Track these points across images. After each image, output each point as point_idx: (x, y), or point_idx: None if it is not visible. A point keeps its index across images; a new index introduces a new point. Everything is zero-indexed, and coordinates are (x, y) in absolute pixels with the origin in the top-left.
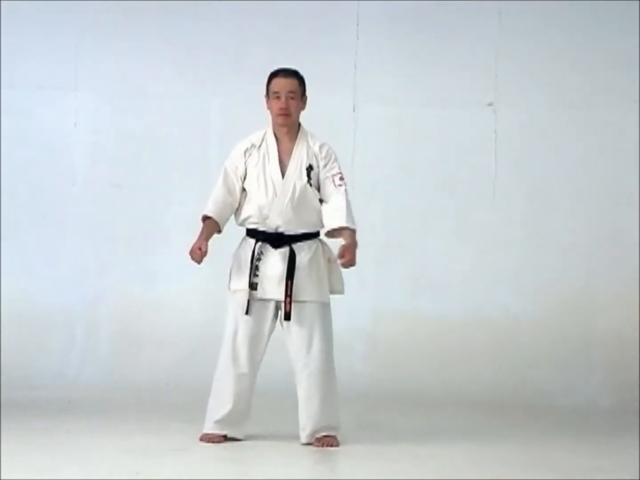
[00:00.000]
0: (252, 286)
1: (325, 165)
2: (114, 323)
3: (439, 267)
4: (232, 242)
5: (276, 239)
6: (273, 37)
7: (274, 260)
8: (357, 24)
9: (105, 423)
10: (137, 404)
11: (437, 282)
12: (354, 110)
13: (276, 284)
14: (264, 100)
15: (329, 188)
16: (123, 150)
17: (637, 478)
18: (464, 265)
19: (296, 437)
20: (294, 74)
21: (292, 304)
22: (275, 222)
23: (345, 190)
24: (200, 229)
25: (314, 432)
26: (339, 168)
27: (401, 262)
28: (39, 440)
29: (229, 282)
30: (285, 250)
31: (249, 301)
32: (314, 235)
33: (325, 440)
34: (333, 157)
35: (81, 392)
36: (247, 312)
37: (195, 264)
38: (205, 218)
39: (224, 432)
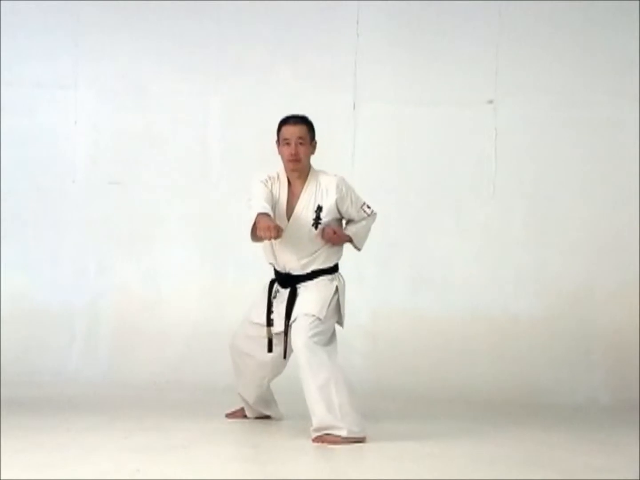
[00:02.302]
0: (269, 323)
1: (351, 203)
2: (113, 321)
3: (439, 264)
4: (231, 241)
5: (284, 280)
6: (273, 36)
7: (282, 300)
8: (357, 23)
9: (105, 420)
10: (137, 401)
11: (437, 280)
12: (354, 108)
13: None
14: (275, 145)
15: (361, 217)
16: (123, 148)
17: (638, 477)
18: (464, 263)
19: (295, 434)
20: (302, 121)
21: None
22: (282, 263)
23: (370, 215)
24: (259, 221)
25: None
26: (359, 197)
27: (401, 259)
28: (39, 438)
29: (250, 313)
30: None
31: (270, 340)
32: (325, 272)
33: (327, 438)
34: (350, 191)
35: (81, 389)
36: (269, 350)
37: (267, 240)
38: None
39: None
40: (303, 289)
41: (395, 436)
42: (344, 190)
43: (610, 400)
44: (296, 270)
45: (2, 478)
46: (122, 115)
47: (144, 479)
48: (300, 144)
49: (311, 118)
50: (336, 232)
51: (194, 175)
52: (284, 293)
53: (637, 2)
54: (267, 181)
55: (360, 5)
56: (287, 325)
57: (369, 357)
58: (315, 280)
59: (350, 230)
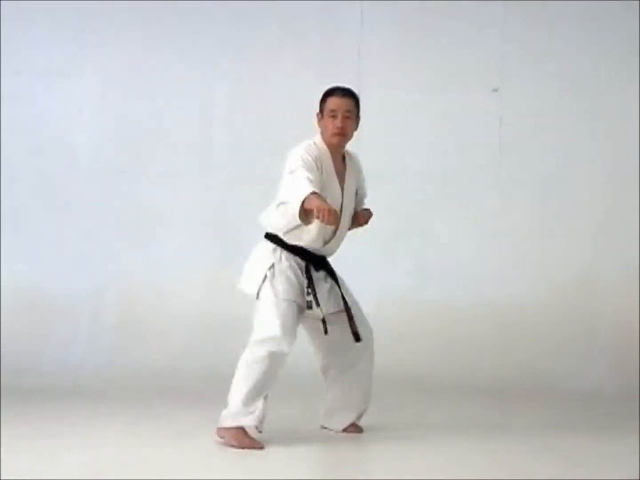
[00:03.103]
0: (309, 305)
1: (363, 182)
2: (118, 310)
3: (444, 252)
4: (236, 230)
5: (319, 262)
6: (278, 23)
7: (320, 281)
8: (362, 10)
9: (111, 409)
10: (142, 390)
11: (441, 268)
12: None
13: (325, 301)
14: (315, 117)
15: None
16: (128, 136)
17: None
18: (468, 251)
19: (296, 422)
20: (350, 94)
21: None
22: (332, 248)
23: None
24: (314, 201)
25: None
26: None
27: (405, 248)
28: (45, 426)
29: (273, 290)
30: (323, 273)
31: (324, 320)
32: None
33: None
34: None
35: (86, 378)
36: (326, 332)
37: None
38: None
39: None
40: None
41: (399, 422)
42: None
43: (614, 387)
44: (331, 253)
45: (6, 464)
46: (127, 103)
47: (150, 466)
48: (347, 117)
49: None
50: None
51: (199, 163)
52: (317, 276)
53: None
54: (316, 159)
55: None
56: (348, 308)
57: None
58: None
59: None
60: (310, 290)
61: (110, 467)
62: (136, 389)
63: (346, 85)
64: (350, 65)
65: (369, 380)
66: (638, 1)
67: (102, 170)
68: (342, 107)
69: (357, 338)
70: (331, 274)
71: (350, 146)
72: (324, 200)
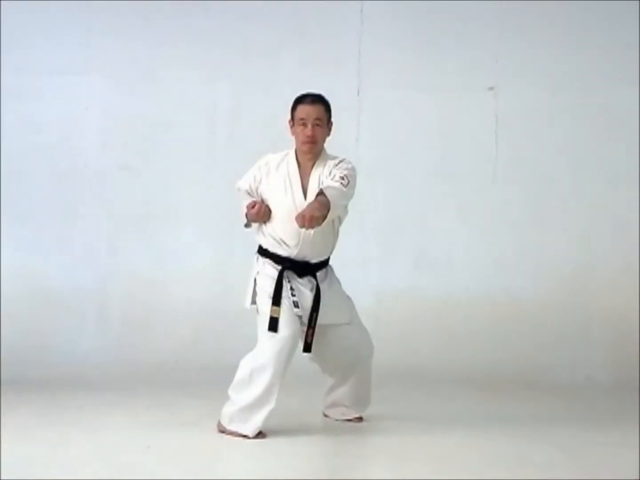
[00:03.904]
0: (295, 304)
1: (336, 166)
2: (124, 302)
3: (441, 247)
4: (238, 224)
5: (302, 268)
6: (279, 24)
7: (302, 288)
8: (361, 10)
9: (116, 399)
10: (147, 380)
11: (439, 262)
12: (358, 94)
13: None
14: (288, 125)
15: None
16: (132, 133)
17: (638, 452)
18: (465, 246)
19: (298, 411)
20: (320, 100)
21: (317, 329)
22: (304, 252)
23: (342, 185)
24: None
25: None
26: (350, 178)
27: (404, 242)
28: (54, 415)
29: (257, 302)
30: (308, 279)
31: (275, 318)
32: (327, 261)
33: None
34: (345, 166)
35: (93, 369)
36: (273, 329)
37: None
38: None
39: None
40: (325, 285)
41: (398, 412)
42: (346, 165)
43: (608, 379)
44: (314, 258)
45: (16, 451)
46: (131, 101)
47: (155, 454)
48: (317, 125)
49: None
50: (307, 207)
51: (202, 159)
52: (298, 283)
53: None
54: (263, 166)
55: None
56: (315, 319)
57: (373, 336)
58: (330, 277)
59: (327, 190)
60: (292, 292)
61: (117, 453)
62: (141, 379)
63: (315, 92)
64: (351, 66)
65: (367, 386)
66: (634, 2)
67: (107, 166)
68: (312, 115)
69: (307, 349)
70: (318, 283)
71: (350, 144)
72: (253, 203)
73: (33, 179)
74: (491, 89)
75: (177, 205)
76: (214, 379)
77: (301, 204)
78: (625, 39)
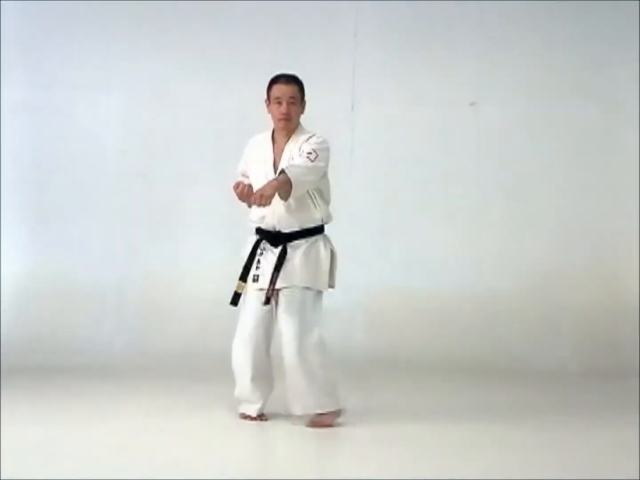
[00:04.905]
0: (254, 278)
1: (306, 141)
2: (140, 298)
3: (430, 248)
4: (246, 226)
5: (274, 238)
6: (277, 42)
7: (271, 257)
8: (355, 29)
9: (133, 385)
10: (161, 369)
11: (428, 262)
12: (352, 109)
13: (269, 275)
14: (264, 104)
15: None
16: (148, 143)
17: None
18: (452, 247)
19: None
20: (294, 80)
21: (283, 290)
22: (272, 222)
23: (309, 159)
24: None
25: (306, 413)
26: (319, 151)
27: (396, 244)
28: (76, 399)
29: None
30: (283, 247)
31: (238, 293)
32: (313, 231)
33: (319, 420)
34: (315, 140)
35: (112, 359)
36: (233, 303)
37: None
38: None
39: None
40: (295, 250)
41: (390, 399)
42: (317, 140)
43: (577, 367)
44: (285, 228)
45: (42, 433)
46: (147, 114)
47: (169, 437)
48: (292, 103)
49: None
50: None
51: (211, 165)
52: (271, 253)
53: (609, 2)
54: (249, 147)
55: (358, 9)
56: (275, 277)
57: (367, 331)
58: (309, 243)
59: (288, 169)
60: (257, 265)
61: (135, 435)
62: (156, 368)
63: (290, 72)
64: (345, 82)
65: (303, 388)
66: (607, 19)
67: (125, 174)
68: (286, 93)
69: (267, 302)
70: (282, 251)
71: (346, 149)
72: (237, 184)
73: (58, 185)
74: (472, 104)
75: (189, 209)
76: (222, 366)
77: (270, 177)
78: (598, 57)
